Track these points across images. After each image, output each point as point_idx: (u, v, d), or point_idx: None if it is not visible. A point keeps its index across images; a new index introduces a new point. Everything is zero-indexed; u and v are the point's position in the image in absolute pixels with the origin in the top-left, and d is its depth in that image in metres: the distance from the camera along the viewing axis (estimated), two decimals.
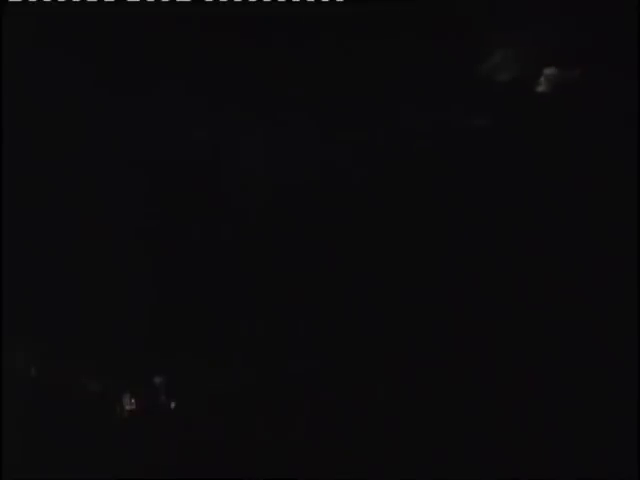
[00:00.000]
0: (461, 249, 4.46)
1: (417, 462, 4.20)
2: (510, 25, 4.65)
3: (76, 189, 4.69)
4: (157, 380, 4.49)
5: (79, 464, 4.35)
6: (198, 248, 4.64)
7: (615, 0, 4.46)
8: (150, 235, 4.65)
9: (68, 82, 4.65)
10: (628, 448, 4.05)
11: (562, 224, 4.39)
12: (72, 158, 4.70)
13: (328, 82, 4.70)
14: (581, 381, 4.19)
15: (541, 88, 4.50)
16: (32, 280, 4.60)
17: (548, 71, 4.57)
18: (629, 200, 4.27)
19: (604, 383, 4.16)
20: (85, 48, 4.67)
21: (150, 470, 4.31)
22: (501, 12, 4.61)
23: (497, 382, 4.26)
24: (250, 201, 4.67)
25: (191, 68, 4.66)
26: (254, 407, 4.41)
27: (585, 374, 4.19)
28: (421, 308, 4.44)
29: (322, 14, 4.60)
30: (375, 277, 4.51)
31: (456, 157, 4.53)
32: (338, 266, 4.54)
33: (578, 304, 4.26)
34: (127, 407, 4.45)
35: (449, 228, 4.48)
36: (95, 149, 4.71)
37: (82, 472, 4.32)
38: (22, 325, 4.56)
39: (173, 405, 4.46)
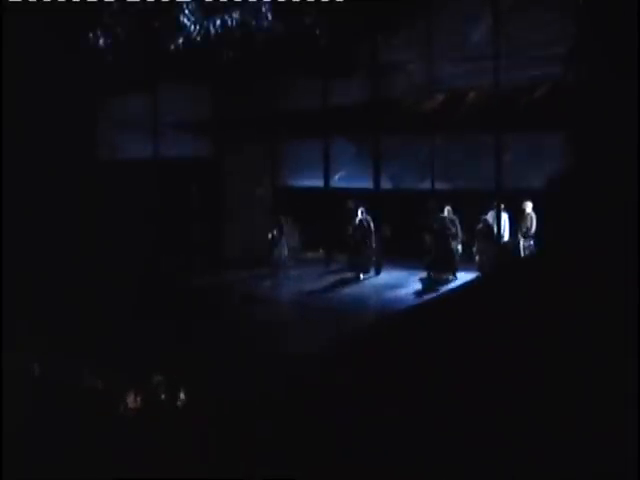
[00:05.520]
0: None
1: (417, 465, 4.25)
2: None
3: (75, 188, 4.69)
4: (159, 379, 4.52)
5: (80, 464, 4.35)
6: (199, 249, 4.65)
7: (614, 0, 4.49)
8: (150, 235, 4.66)
9: (68, 81, 4.64)
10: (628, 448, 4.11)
11: (561, 223, 4.43)
12: (70, 158, 4.70)
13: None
14: (582, 383, 4.25)
15: (540, 87, 4.54)
16: (33, 280, 4.60)
17: (547, 71, 4.60)
18: (629, 200, 4.31)
19: (604, 384, 4.22)
20: (85, 48, 4.66)
21: (151, 469, 4.33)
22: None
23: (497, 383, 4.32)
24: None
25: (191, 69, 4.66)
26: (255, 407, 4.44)
27: (586, 375, 4.25)
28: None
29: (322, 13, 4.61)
30: None
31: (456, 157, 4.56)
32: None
33: (578, 306, 4.31)
34: (131, 405, 4.47)
35: None
36: (93, 148, 4.71)
37: (83, 472, 4.33)
38: (22, 325, 4.56)
39: (174, 405, 4.49)
